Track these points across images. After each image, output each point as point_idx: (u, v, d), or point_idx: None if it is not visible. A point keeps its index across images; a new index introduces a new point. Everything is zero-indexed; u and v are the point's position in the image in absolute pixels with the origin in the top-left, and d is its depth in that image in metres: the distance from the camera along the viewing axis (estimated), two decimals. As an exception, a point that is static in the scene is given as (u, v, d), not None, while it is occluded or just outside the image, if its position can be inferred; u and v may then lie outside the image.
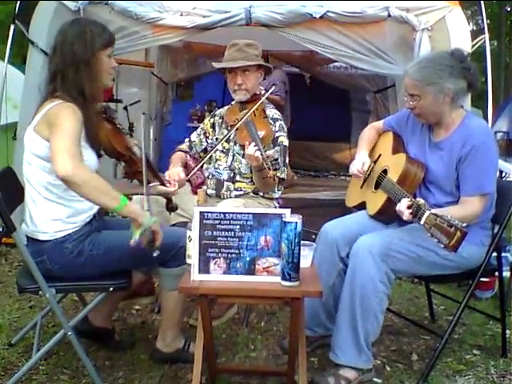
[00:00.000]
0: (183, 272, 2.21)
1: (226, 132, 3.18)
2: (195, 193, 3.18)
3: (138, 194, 2.85)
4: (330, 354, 2.58)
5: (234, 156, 3.17)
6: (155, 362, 2.71)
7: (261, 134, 2.91)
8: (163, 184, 2.75)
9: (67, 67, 2.30)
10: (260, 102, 3.09)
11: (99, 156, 2.47)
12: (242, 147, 2.99)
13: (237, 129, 3.05)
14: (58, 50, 2.34)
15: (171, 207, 2.83)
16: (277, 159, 3.00)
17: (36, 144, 2.28)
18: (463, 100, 2.60)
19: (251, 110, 3.03)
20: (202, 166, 3.22)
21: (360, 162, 2.81)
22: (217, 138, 3.26)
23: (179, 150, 3.32)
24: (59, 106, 2.25)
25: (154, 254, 2.29)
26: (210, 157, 3.24)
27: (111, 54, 2.42)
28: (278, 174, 2.99)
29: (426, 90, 2.50)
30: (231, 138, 3.17)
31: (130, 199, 2.89)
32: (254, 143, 2.76)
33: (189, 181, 3.18)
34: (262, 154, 2.70)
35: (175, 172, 3.01)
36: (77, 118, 2.22)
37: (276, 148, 3.05)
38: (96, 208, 2.46)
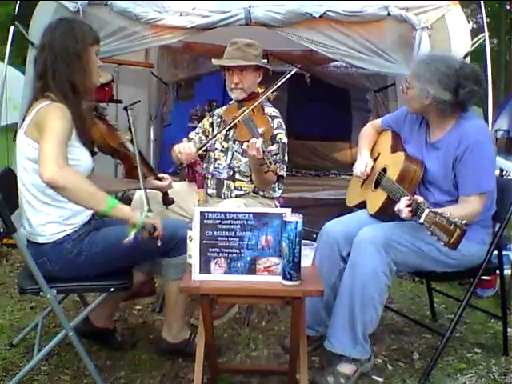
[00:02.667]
0: (185, 261, 2.24)
1: (224, 131, 3.18)
2: (201, 186, 3.17)
3: (134, 189, 2.86)
4: (325, 343, 2.59)
5: (233, 154, 3.18)
6: (160, 353, 2.73)
7: (260, 129, 2.91)
8: (158, 178, 2.75)
9: (58, 62, 2.30)
10: (260, 100, 3.09)
11: (93, 154, 2.47)
12: (242, 143, 2.99)
13: (236, 126, 3.06)
14: (47, 47, 2.33)
15: (168, 201, 2.84)
16: (277, 153, 3.01)
17: (28, 148, 2.27)
18: (453, 111, 2.57)
19: (250, 108, 3.03)
20: (203, 159, 3.25)
21: (363, 164, 2.81)
22: (215, 137, 3.26)
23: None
24: (48, 107, 2.24)
25: (158, 244, 2.30)
26: (209, 156, 3.25)
27: (98, 52, 2.43)
28: (278, 171, 2.99)
29: (413, 82, 2.56)
30: (230, 136, 3.18)
31: (129, 202, 2.91)
32: (255, 136, 2.77)
33: (194, 179, 3.17)
34: (262, 148, 2.70)
35: (186, 145, 3.05)
36: (65, 117, 2.21)
37: (274, 146, 3.05)
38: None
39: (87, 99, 2.43)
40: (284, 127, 3.17)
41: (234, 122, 3.03)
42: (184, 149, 3.02)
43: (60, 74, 2.30)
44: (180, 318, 2.71)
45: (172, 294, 2.64)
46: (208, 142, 3.17)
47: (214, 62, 3.24)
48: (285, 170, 3.16)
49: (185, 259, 2.29)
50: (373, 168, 2.84)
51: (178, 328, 2.70)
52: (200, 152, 3.12)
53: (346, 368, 2.54)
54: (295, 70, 3.10)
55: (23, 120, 2.35)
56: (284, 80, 3.08)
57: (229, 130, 3.14)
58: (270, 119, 3.12)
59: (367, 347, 2.56)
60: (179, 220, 2.60)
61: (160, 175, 2.81)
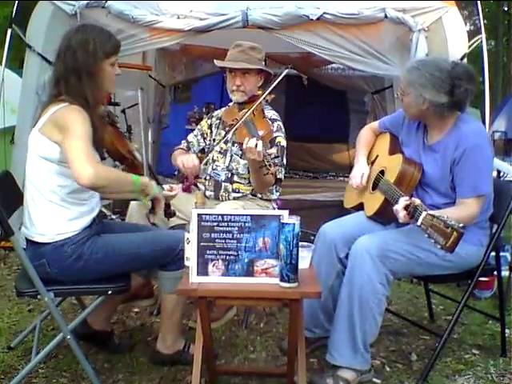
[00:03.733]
0: (182, 275, 2.21)
1: (223, 132, 3.18)
2: (184, 190, 3.18)
3: None
4: (327, 356, 2.59)
5: (231, 157, 3.18)
6: (155, 364, 2.71)
7: (260, 132, 2.91)
8: (161, 188, 2.75)
9: (69, 74, 2.32)
10: (259, 101, 3.09)
11: (103, 159, 2.48)
12: (241, 146, 2.99)
13: (236, 128, 3.06)
14: (62, 55, 2.35)
15: (169, 213, 2.83)
16: (277, 156, 3.02)
17: (42, 146, 2.28)
18: (452, 112, 2.57)
19: (251, 109, 3.03)
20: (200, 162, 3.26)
21: (359, 175, 2.80)
22: (214, 140, 3.26)
23: (179, 149, 3.33)
24: (66, 108, 2.27)
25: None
26: (207, 158, 3.26)
27: (115, 62, 2.43)
28: (276, 174, 2.99)
29: (407, 90, 2.55)
30: (229, 138, 3.19)
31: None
32: (255, 138, 2.77)
33: (182, 181, 3.18)
34: (263, 151, 2.70)
35: (189, 158, 3.05)
36: (86, 120, 2.24)
37: (274, 148, 3.05)
38: (96, 211, 2.47)
39: (100, 106, 2.45)
40: (283, 130, 3.17)
41: (237, 125, 3.02)
42: (188, 163, 3.02)
43: (72, 86, 2.32)
44: (174, 330, 2.69)
45: (167, 305, 2.63)
46: (213, 148, 3.17)
47: (218, 63, 3.23)
48: (283, 173, 3.17)
49: (182, 273, 2.27)
50: (371, 170, 2.84)
51: (172, 339, 2.69)
52: (202, 164, 3.14)
53: (346, 374, 2.54)
54: (287, 70, 3.11)
55: (37, 120, 2.35)
56: (279, 79, 3.08)
57: (228, 132, 3.15)
58: (270, 122, 3.12)
59: (368, 357, 2.56)
60: (178, 232, 2.58)
61: (167, 186, 2.81)
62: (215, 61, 3.27)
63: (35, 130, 2.33)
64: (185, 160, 3.04)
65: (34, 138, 2.33)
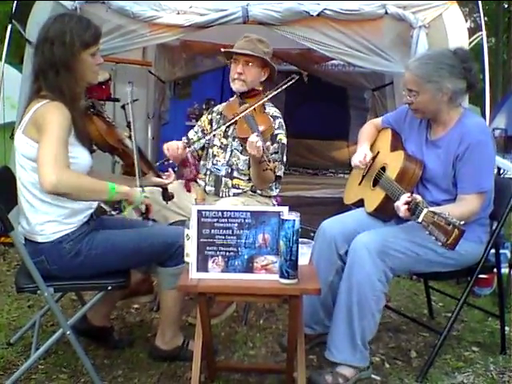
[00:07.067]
0: (181, 271, 2.21)
1: (224, 127, 3.17)
2: (188, 189, 3.17)
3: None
4: (326, 352, 2.59)
5: (232, 152, 3.18)
6: (154, 360, 2.71)
7: (261, 128, 2.90)
8: (158, 175, 2.75)
9: (47, 68, 2.27)
10: (264, 100, 3.06)
11: (92, 151, 2.46)
12: (242, 140, 2.99)
13: (236, 123, 3.05)
14: (40, 48, 2.30)
15: (168, 196, 2.83)
16: (276, 152, 3.01)
17: (27, 147, 2.25)
18: (462, 99, 2.60)
19: (253, 106, 3.02)
20: (199, 160, 3.25)
21: (362, 154, 2.80)
22: (214, 135, 3.25)
23: None
24: (46, 107, 2.22)
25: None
26: (207, 153, 3.25)
27: (96, 51, 2.37)
28: (276, 170, 2.99)
29: (424, 87, 2.50)
30: (230, 133, 3.18)
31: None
32: (256, 133, 2.76)
33: (182, 176, 3.18)
34: (262, 145, 2.70)
35: (174, 144, 3.06)
36: (63, 115, 2.20)
37: (274, 145, 3.06)
38: (93, 207, 2.46)
39: (80, 100, 2.40)
40: (284, 128, 3.17)
41: (236, 118, 3.01)
42: (172, 148, 3.03)
43: (50, 80, 2.28)
44: (173, 326, 2.69)
45: (166, 301, 2.63)
46: (201, 140, 3.17)
47: (223, 49, 3.23)
48: (282, 170, 3.16)
49: (181, 269, 2.27)
50: (372, 166, 2.84)
51: (171, 335, 2.69)
52: (190, 149, 3.12)
53: (345, 370, 2.54)
54: (295, 80, 3.06)
55: (21, 120, 2.33)
56: (288, 85, 3.05)
57: (228, 126, 3.13)
58: (271, 119, 3.11)
59: (367, 354, 2.57)
60: (177, 228, 2.58)
61: (165, 173, 2.81)
62: (222, 49, 3.25)
63: (19, 131, 2.30)
64: (169, 145, 3.06)
65: (18, 139, 2.30)
